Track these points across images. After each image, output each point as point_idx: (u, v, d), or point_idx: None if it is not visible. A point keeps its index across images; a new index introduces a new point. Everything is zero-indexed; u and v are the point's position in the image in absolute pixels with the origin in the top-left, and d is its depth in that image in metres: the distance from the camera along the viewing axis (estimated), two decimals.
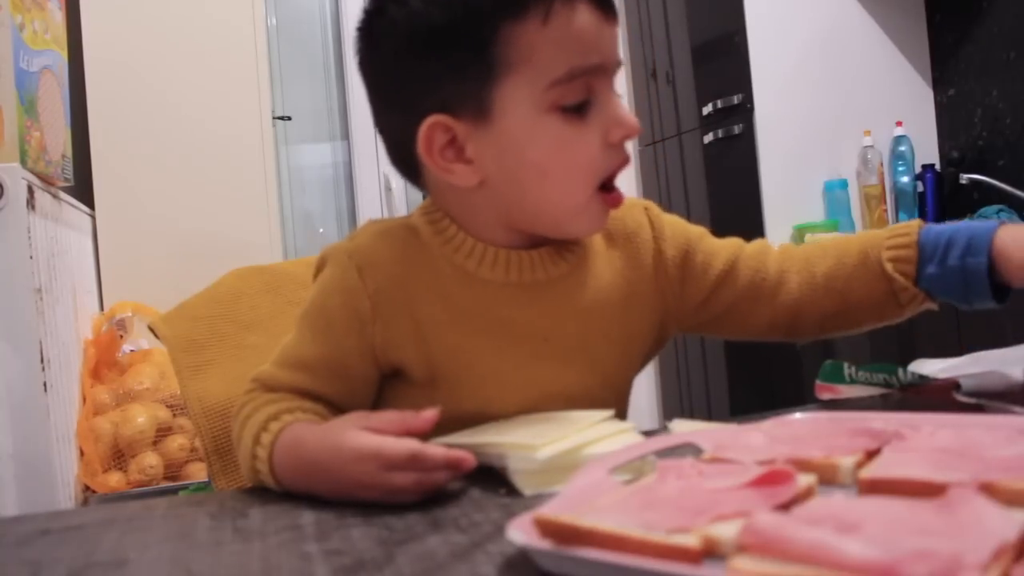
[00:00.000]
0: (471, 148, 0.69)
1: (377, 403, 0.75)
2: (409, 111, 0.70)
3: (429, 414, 0.60)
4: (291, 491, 0.64)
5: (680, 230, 0.82)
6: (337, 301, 0.71)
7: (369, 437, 0.59)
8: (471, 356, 0.72)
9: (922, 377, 0.73)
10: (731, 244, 0.82)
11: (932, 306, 0.77)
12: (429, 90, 0.69)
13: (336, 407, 0.72)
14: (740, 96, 2.49)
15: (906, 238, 0.76)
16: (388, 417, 0.61)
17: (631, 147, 3.63)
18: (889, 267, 0.76)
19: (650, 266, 0.79)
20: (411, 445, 0.57)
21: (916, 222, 0.78)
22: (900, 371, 0.75)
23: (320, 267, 0.75)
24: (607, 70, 0.69)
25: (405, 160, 0.74)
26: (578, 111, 0.68)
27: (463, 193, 0.71)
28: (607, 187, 0.71)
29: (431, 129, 0.69)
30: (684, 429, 0.64)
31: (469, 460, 0.57)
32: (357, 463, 0.58)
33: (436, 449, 0.57)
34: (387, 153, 0.77)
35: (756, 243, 0.83)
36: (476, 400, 0.72)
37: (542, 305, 0.74)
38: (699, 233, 0.82)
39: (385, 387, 0.75)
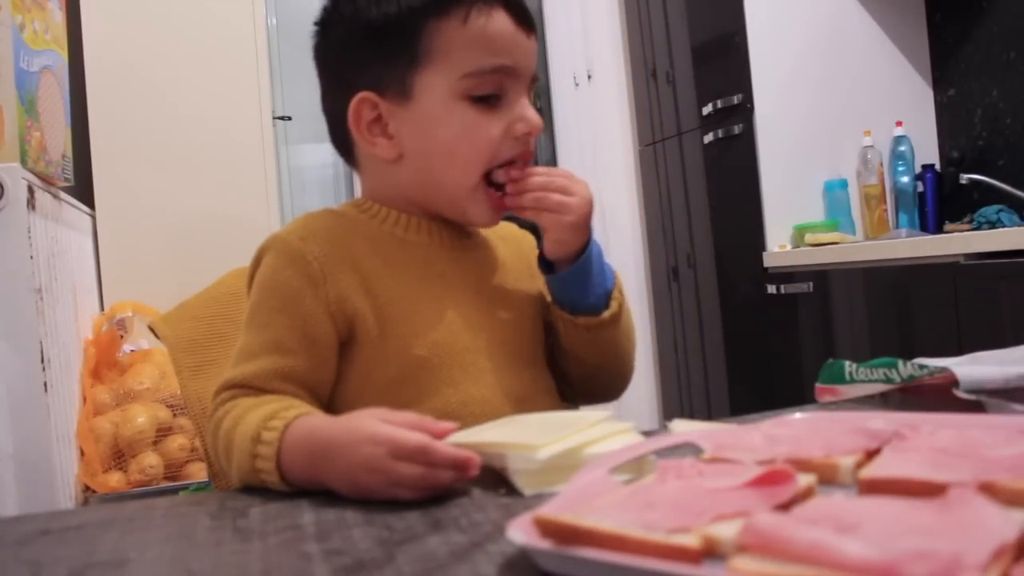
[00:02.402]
0: (393, 125, 0.81)
1: (337, 379, 0.78)
2: (346, 89, 0.81)
3: (448, 425, 0.62)
4: (295, 484, 0.64)
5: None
6: (287, 274, 0.77)
7: (386, 426, 0.61)
8: (415, 302, 0.79)
9: (923, 367, 0.73)
10: None
11: (594, 320, 0.84)
12: (363, 71, 0.80)
13: (310, 387, 0.75)
14: (740, 96, 2.49)
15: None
16: (408, 417, 0.62)
17: (631, 146, 3.61)
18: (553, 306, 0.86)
19: (531, 262, 0.90)
20: (422, 437, 0.58)
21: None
22: (900, 364, 0.75)
23: (256, 264, 0.80)
24: (518, 74, 0.80)
25: (341, 137, 0.85)
26: (488, 102, 0.79)
27: (386, 166, 0.82)
28: (499, 187, 0.81)
29: (360, 103, 0.80)
30: (684, 429, 0.64)
31: (475, 462, 0.58)
32: (369, 445, 0.59)
33: (445, 446, 0.58)
34: (328, 132, 0.88)
35: None
36: (426, 345, 0.78)
37: (467, 263, 0.85)
38: None
39: (343, 358, 0.78)
